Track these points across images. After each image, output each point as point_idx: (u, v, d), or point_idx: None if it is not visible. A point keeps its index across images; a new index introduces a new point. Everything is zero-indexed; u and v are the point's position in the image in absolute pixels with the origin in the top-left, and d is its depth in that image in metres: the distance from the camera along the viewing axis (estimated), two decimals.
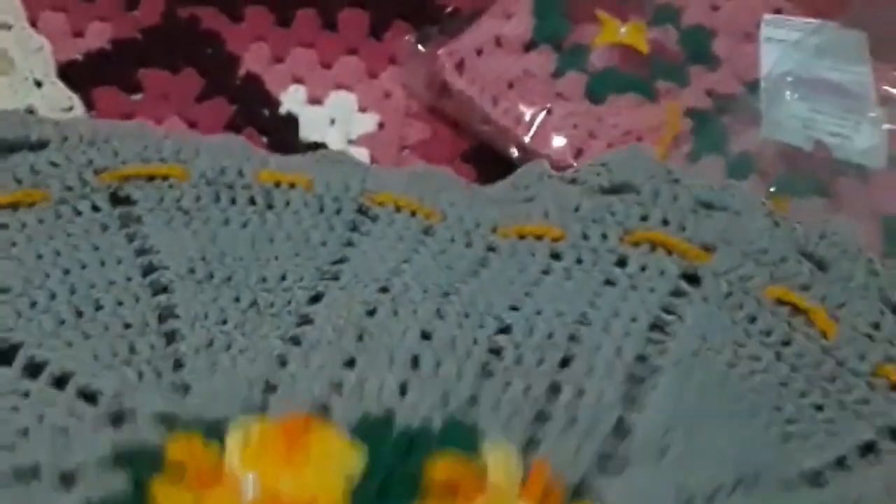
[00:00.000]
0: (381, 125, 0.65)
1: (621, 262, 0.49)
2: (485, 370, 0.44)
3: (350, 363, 0.44)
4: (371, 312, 0.46)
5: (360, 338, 0.45)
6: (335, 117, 0.64)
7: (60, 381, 0.42)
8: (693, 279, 0.48)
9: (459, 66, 0.64)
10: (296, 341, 0.45)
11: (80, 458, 0.39)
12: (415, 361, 0.44)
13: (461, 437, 0.41)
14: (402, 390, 0.43)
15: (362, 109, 0.65)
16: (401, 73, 0.67)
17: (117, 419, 0.41)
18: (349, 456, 0.40)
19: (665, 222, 0.50)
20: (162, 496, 0.38)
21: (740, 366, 0.46)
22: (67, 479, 0.39)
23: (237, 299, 0.46)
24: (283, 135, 0.61)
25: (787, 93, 0.67)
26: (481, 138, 0.64)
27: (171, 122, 0.61)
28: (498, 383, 0.44)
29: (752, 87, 0.68)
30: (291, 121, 0.63)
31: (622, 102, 0.65)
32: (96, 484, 0.38)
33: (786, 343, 0.46)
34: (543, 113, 0.64)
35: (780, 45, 0.69)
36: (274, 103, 0.63)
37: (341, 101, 0.65)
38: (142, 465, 0.39)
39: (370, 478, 0.39)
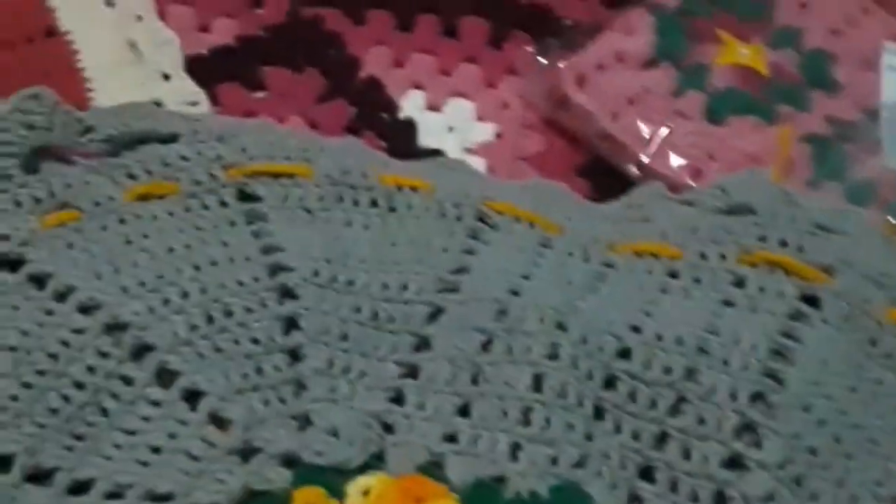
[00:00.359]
0: (498, 135, 0.65)
1: (739, 283, 0.49)
2: (596, 416, 0.44)
3: (464, 410, 0.45)
4: (486, 345, 0.46)
5: (475, 379, 0.45)
6: (453, 125, 0.64)
7: (191, 397, 0.43)
8: (812, 301, 0.48)
9: (580, 80, 0.64)
10: (413, 372, 0.46)
11: (213, 497, 0.41)
12: (525, 415, 0.44)
13: None
14: (514, 450, 0.43)
15: (480, 118, 0.65)
16: (519, 83, 0.67)
17: (244, 453, 0.42)
18: None
19: (783, 244, 0.50)
20: None
21: (863, 389, 0.45)
22: None
23: (358, 309, 0.47)
24: (401, 140, 0.62)
25: None
26: (598, 153, 0.64)
27: (292, 121, 0.61)
28: (606, 438, 0.44)
29: (872, 114, 0.67)
30: (410, 126, 0.63)
31: (742, 124, 0.65)
32: None
33: None
34: (663, 131, 0.63)
35: None
36: (393, 108, 0.64)
37: (459, 109, 0.65)
38: None
39: None
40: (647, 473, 0.43)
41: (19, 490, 0.40)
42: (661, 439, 0.44)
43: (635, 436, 0.44)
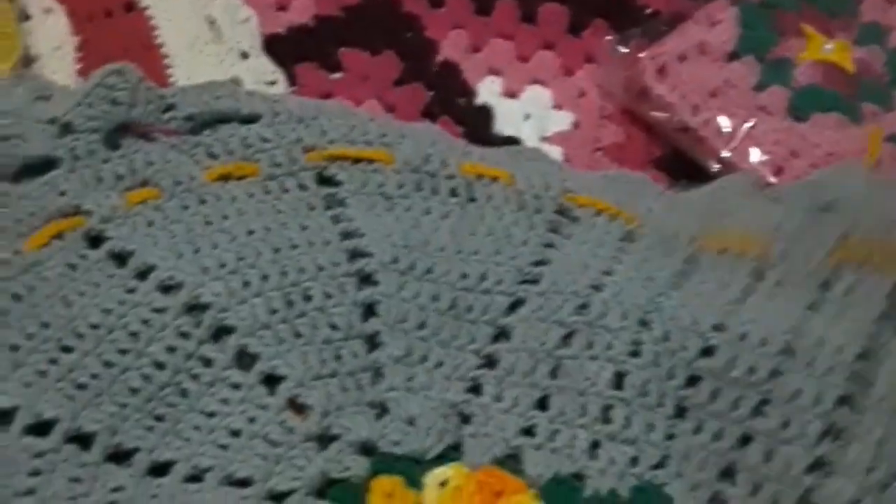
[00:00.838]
0: (575, 124, 0.64)
1: (826, 284, 0.48)
2: (677, 415, 0.44)
3: (542, 403, 0.45)
4: (567, 338, 0.46)
5: (554, 372, 0.45)
6: (530, 112, 0.64)
7: (270, 381, 0.44)
8: None
9: (661, 71, 0.64)
10: (491, 362, 0.46)
11: (291, 484, 0.41)
12: (605, 413, 0.44)
13: None
14: (593, 447, 0.44)
15: (557, 107, 0.65)
16: (597, 72, 0.66)
17: (322, 440, 0.43)
18: None
19: (872, 239, 0.49)
20: None
21: None
22: (275, 498, 0.41)
23: (437, 298, 0.47)
24: (477, 126, 0.61)
25: None
26: (676, 146, 0.64)
27: (368, 104, 0.61)
28: (687, 437, 0.44)
29: None
30: (486, 112, 0.63)
31: (826, 122, 0.64)
32: None
33: None
34: (746, 126, 0.63)
35: None
36: (470, 93, 0.64)
37: (537, 97, 0.65)
38: (346, 500, 0.41)
39: None
40: (729, 475, 0.43)
41: (100, 468, 0.41)
42: (745, 441, 0.43)
43: (717, 436, 0.44)
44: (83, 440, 0.41)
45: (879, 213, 0.50)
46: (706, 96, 0.64)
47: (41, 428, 0.41)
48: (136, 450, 0.42)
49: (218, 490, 0.41)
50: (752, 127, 0.63)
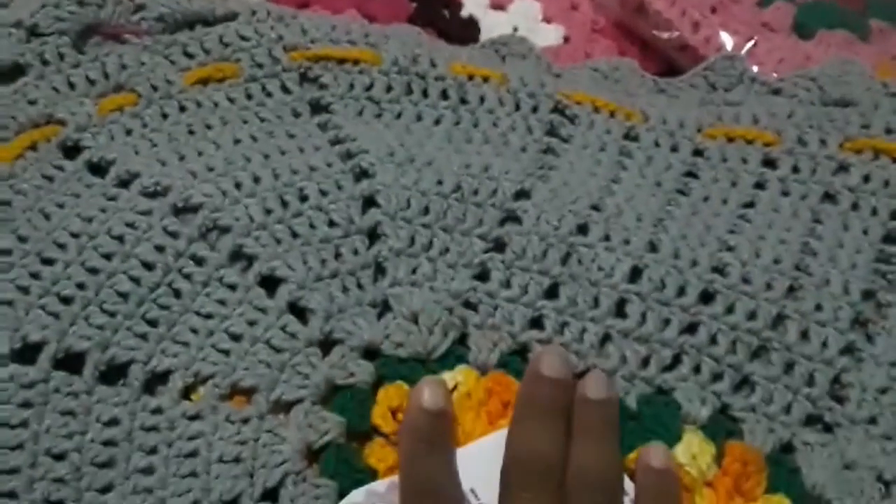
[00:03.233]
0: (565, 38, 0.68)
1: (842, 170, 0.52)
2: (694, 316, 0.47)
3: (553, 291, 0.47)
4: (581, 228, 0.49)
5: (567, 259, 0.48)
6: (518, 25, 0.67)
7: (268, 283, 0.46)
8: None
9: None
10: (499, 245, 0.48)
11: (297, 393, 0.44)
12: (620, 307, 0.47)
13: (658, 425, 0.44)
14: (603, 342, 0.46)
15: (546, 20, 0.68)
16: None
17: (325, 345, 0.45)
18: None
19: (889, 131, 0.53)
20: (377, 453, 0.43)
21: None
22: (280, 408, 0.44)
23: (440, 182, 0.49)
24: (463, 39, 0.64)
25: None
26: (672, 63, 0.67)
27: (348, 14, 0.64)
28: (713, 322, 0.47)
29: None
30: (472, 25, 0.66)
31: (832, 39, 0.67)
32: (312, 423, 0.43)
33: None
34: (748, 44, 0.66)
35: None
36: (455, 4, 0.67)
37: (525, 9, 0.68)
38: (353, 409, 0.44)
39: None
40: (758, 355, 0.46)
41: (92, 394, 0.43)
42: (779, 320, 0.47)
43: (751, 316, 0.46)
44: (73, 361, 0.44)
45: (892, 116, 0.54)
46: (707, 12, 0.67)
47: (28, 353, 0.43)
48: (130, 363, 0.44)
49: (218, 414, 0.43)
50: (754, 45, 0.66)
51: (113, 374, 0.44)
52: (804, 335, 0.47)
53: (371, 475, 0.42)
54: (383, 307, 0.46)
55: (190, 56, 0.53)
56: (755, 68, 0.64)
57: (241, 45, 0.54)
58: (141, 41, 0.54)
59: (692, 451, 0.43)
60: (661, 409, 0.45)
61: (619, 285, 0.47)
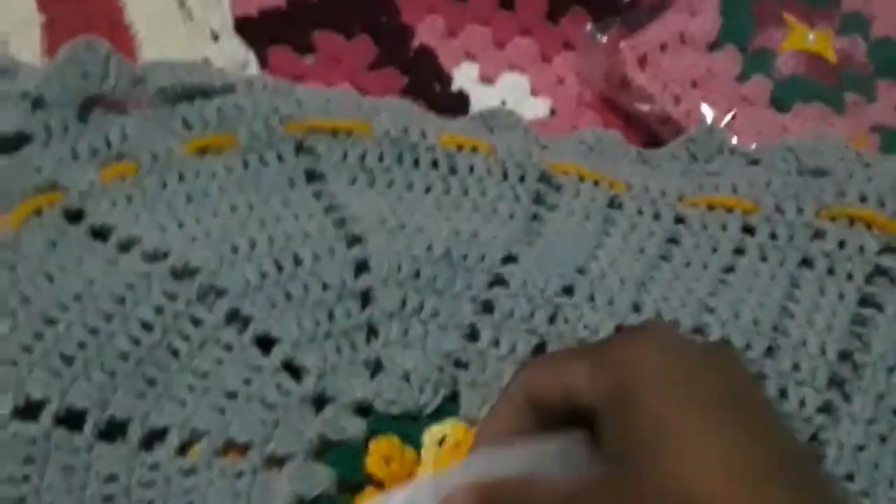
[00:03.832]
0: (552, 111, 0.70)
1: (818, 237, 0.54)
2: None
3: (541, 349, 0.49)
4: (567, 289, 0.50)
5: (553, 318, 0.50)
6: (506, 99, 0.69)
7: (263, 344, 0.48)
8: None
9: (642, 60, 0.69)
10: (488, 307, 0.50)
11: (289, 447, 0.45)
12: None
13: None
14: None
15: (534, 93, 0.70)
16: (575, 59, 0.72)
17: (318, 402, 0.47)
18: None
19: (863, 199, 0.55)
20: (367, 501, 0.44)
21: None
22: (274, 463, 0.45)
23: (430, 247, 0.51)
24: (453, 112, 0.65)
25: None
26: (656, 135, 0.69)
27: (342, 88, 0.66)
28: None
29: None
30: (462, 98, 0.68)
31: (808, 112, 0.70)
32: (304, 476, 0.44)
33: None
34: (728, 117, 0.68)
35: None
36: (446, 79, 0.69)
37: (513, 83, 0.70)
38: (345, 462, 0.45)
39: None
40: None
41: (92, 451, 0.44)
42: (758, 379, 0.48)
43: None
44: (74, 419, 0.45)
45: (866, 185, 0.56)
46: (688, 86, 0.69)
47: (30, 410, 0.44)
48: (128, 420, 0.45)
49: (213, 469, 0.44)
50: (733, 117, 0.68)
51: (112, 430, 0.45)
52: (783, 393, 0.48)
53: None
54: (376, 366, 0.48)
55: (189, 127, 0.55)
56: (734, 139, 0.66)
57: (238, 117, 0.56)
58: (142, 112, 0.56)
59: None
60: None
61: None
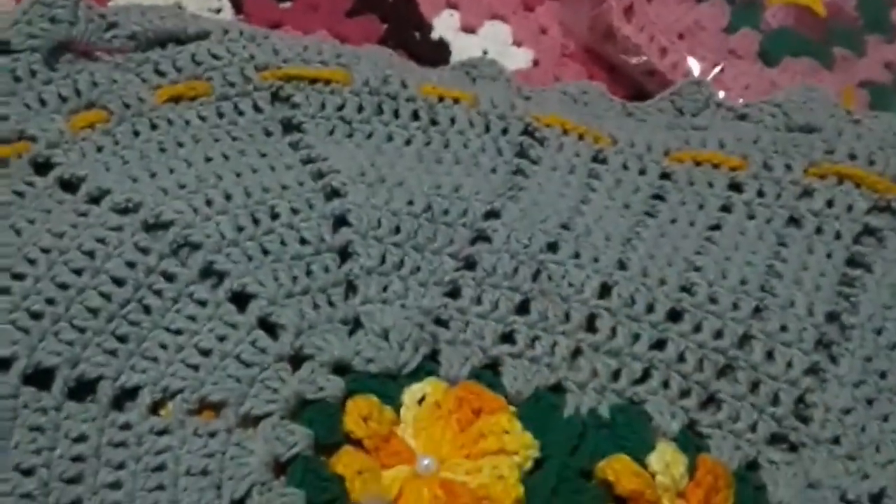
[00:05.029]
0: (535, 62, 0.69)
1: (806, 195, 0.53)
2: (662, 333, 0.48)
3: (524, 307, 0.48)
4: (552, 246, 0.49)
5: (537, 275, 0.49)
6: (488, 48, 0.68)
7: (239, 300, 0.46)
8: (886, 211, 0.52)
9: (628, 11, 0.68)
10: (470, 263, 0.49)
11: (266, 407, 0.44)
12: (590, 322, 0.48)
13: (632, 433, 0.45)
14: (574, 356, 0.47)
15: (517, 43, 0.69)
16: (559, 8, 0.71)
17: (295, 360, 0.45)
18: (523, 446, 0.44)
19: (852, 157, 0.54)
20: (343, 460, 0.43)
21: None
22: (249, 422, 0.44)
23: (411, 202, 0.50)
24: (433, 61, 0.64)
25: None
26: (640, 88, 0.68)
27: (319, 35, 0.65)
28: (681, 340, 0.47)
29: None
30: (443, 47, 0.67)
31: (797, 66, 0.69)
32: (280, 436, 0.43)
33: None
34: (715, 70, 0.67)
35: None
36: (426, 27, 0.68)
37: (495, 32, 0.69)
38: (322, 422, 0.44)
39: (544, 475, 0.43)
40: (725, 374, 0.47)
41: (61, 410, 0.43)
42: (744, 340, 0.48)
43: (717, 335, 0.48)
44: (42, 377, 0.43)
45: (856, 143, 0.55)
46: (674, 38, 0.68)
47: None
48: (99, 379, 0.44)
49: (186, 428, 0.43)
50: (721, 71, 0.67)
51: (82, 390, 0.43)
52: (769, 355, 0.47)
53: (339, 482, 0.42)
54: (354, 324, 0.47)
55: (162, 74, 0.54)
56: (721, 94, 0.64)
57: (212, 64, 0.54)
58: (113, 59, 0.54)
59: (666, 459, 0.44)
60: (633, 418, 0.46)
61: (589, 301, 0.48)
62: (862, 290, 0.50)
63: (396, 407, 0.44)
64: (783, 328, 0.48)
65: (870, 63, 0.70)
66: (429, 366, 0.46)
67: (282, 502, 0.41)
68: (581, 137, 0.55)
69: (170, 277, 0.46)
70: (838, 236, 0.51)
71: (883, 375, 0.48)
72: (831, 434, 0.46)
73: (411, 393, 0.45)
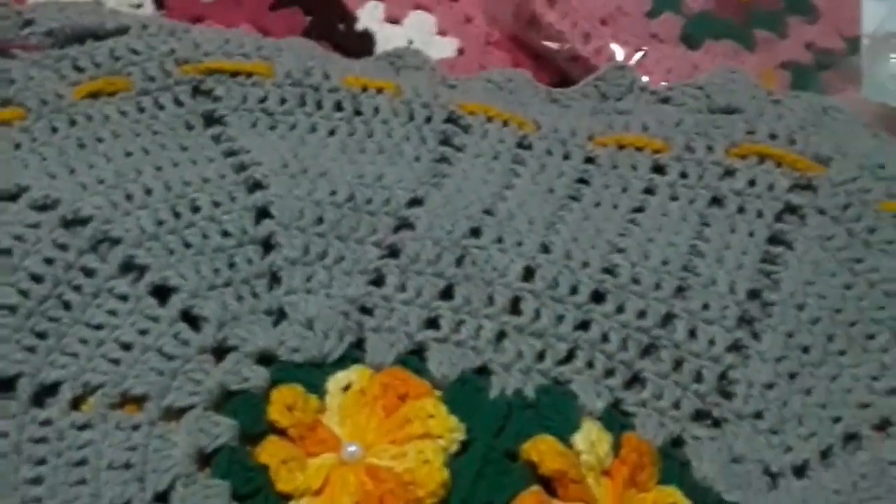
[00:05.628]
0: (460, 51, 0.69)
1: (728, 176, 0.53)
2: (586, 314, 0.48)
3: (448, 292, 0.48)
4: (475, 231, 0.50)
5: (461, 261, 0.49)
6: (413, 38, 0.68)
7: (161, 293, 0.46)
8: (807, 189, 0.53)
9: None
10: (394, 252, 0.49)
11: (189, 399, 0.44)
12: (514, 305, 0.48)
13: (557, 413, 0.45)
14: (499, 339, 0.47)
15: (441, 33, 0.69)
16: None
17: (219, 352, 0.45)
18: (449, 430, 0.44)
19: (773, 136, 0.55)
20: (268, 450, 0.43)
21: (858, 283, 0.50)
22: (173, 415, 0.43)
23: (333, 192, 0.50)
24: (358, 52, 0.64)
25: (892, 54, 0.71)
26: (565, 74, 0.68)
27: (242, 28, 0.64)
28: (605, 321, 0.48)
29: (852, 43, 0.72)
30: (368, 38, 0.67)
31: (718, 49, 0.70)
32: (203, 427, 0.43)
33: None
34: (638, 54, 0.67)
35: (886, 3, 0.73)
36: (350, 18, 0.67)
37: (420, 22, 0.69)
38: (246, 412, 0.44)
39: (469, 457, 0.43)
40: (648, 353, 0.48)
41: None
42: (667, 319, 0.48)
43: (641, 315, 0.48)
44: None
45: (776, 123, 0.55)
46: (597, 24, 0.68)
47: None
48: (18, 376, 0.43)
49: (108, 423, 0.42)
50: (644, 55, 0.68)
51: (1, 387, 0.43)
52: (692, 333, 0.48)
53: (263, 472, 0.42)
54: (279, 314, 0.46)
55: (80, 70, 0.53)
56: (645, 78, 0.65)
57: (132, 59, 0.54)
58: (30, 55, 0.54)
59: (591, 439, 0.44)
60: (558, 398, 0.46)
61: (512, 284, 0.48)
62: (784, 267, 0.50)
63: (322, 395, 0.44)
64: (705, 306, 0.48)
65: (791, 44, 0.71)
66: (355, 354, 0.46)
67: (206, 494, 0.41)
68: (506, 124, 0.55)
69: (89, 273, 0.46)
70: (760, 215, 0.52)
71: (805, 350, 0.48)
72: (754, 409, 0.46)
73: (336, 381, 0.45)
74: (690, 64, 0.68)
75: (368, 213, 0.49)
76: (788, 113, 0.56)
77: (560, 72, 0.68)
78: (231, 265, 0.47)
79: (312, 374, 0.45)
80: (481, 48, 0.69)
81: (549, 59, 0.69)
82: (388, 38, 0.67)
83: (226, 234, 0.48)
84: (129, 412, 0.43)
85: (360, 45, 0.66)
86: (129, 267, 0.46)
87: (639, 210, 0.52)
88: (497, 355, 0.46)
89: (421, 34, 0.68)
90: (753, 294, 0.49)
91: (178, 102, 0.53)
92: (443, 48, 0.68)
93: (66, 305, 0.45)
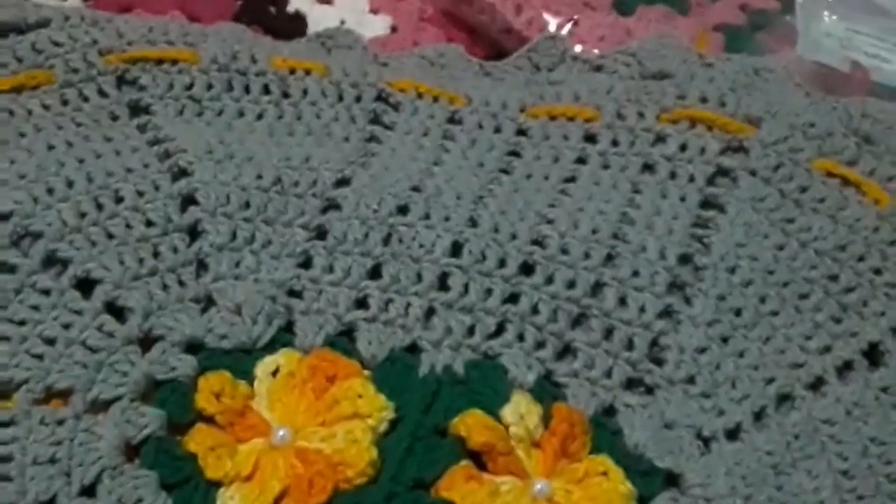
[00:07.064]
0: (393, 28, 0.68)
1: (659, 141, 0.53)
2: (515, 287, 0.48)
3: (376, 271, 0.48)
4: (402, 209, 0.49)
5: (388, 239, 0.48)
6: (345, 18, 0.67)
7: (84, 286, 0.45)
8: (739, 151, 0.52)
9: None
10: (321, 233, 0.49)
11: (115, 391, 0.43)
12: (442, 281, 0.48)
13: (486, 387, 0.45)
14: (428, 316, 0.47)
15: (373, 11, 0.69)
16: None
17: (145, 342, 0.45)
18: (377, 409, 0.44)
19: (703, 100, 0.54)
20: (196, 438, 0.42)
21: (790, 244, 0.50)
22: (99, 407, 0.43)
23: (260, 176, 0.49)
24: (290, 34, 0.63)
25: (825, 11, 0.71)
26: (499, 47, 0.68)
27: (172, 16, 0.63)
28: (534, 292, 0.47)
29: (787, 3, 0.72)
30: (299, 19, 0.66)
31: (652, 14, 0.69)
32: (130, 418, 0.42)
33: (841, 208, 0.51)
34: (570, 24, 0.67)
35: None
36: (281, 1, 0.66)
37: (352, 1, 0.68)
38: (174, 401, 0.43)
39: (398, 435, 0.44)
40: (579, 323, 0.48)
41: None
42: (597, 288, 0.48)
43: (570, 285, 0.48)
44: None
45: (707, 86, 0.55)
46: None
47: None
48: None
49: (33, 418, 0.42)
50: (575, 24, 0.67)
51: None
52: (622, 301, 0.48)
53: (192, 460, 0.41)
54: (207, 302, 0.46)
55: (2, 65, 0.52)
56: (578, 47, 0.65)
57: (54, 51, 0.53)
58: None
59: (520, 411, 0.44)
60: (488, 372, 0.46)
61: (440, 260, 0.48)
62: (715, 230, 0.50)
63: (251, 381, 0.44)
64: (635, 273, 0.48)
65: (725, 6, 0.71)
66: (284, 337, 0.46)
67: (134, 485, 0.41)
68: (436, 100, 0.55)
69: (11, 269, 0.45)
70: (692, 179, 0.51)
71: (738, 313, 0.48)
72: (686, 374, 0.46)
73: (264, 365, 0.45)
74: (623, 30, 0.68)
75: (295, 195, 0.49)
76: (719, 76, 0.56)
77: (494, 45, 0.68)
78: (156, 254, 0.47)
79: (241, 360, 0.45)
80: (414, 25, 0.68)
81: (482, 32, 0.68)
82: (319, 19, 0.67)
83: (150, 223, 0.47)
84: (54, 407, 0.43)
85: (292, 26, 0.66)
86: (52, 261, 0.46)
87: (570, 180, 0.52)
88: (426, 332, 0.46)
89: (353, 13, 0.68)
90: (684, 259, 0.49)
91: (103, 93, 0.53)
92: (376, 26, 0.68)
93: None
